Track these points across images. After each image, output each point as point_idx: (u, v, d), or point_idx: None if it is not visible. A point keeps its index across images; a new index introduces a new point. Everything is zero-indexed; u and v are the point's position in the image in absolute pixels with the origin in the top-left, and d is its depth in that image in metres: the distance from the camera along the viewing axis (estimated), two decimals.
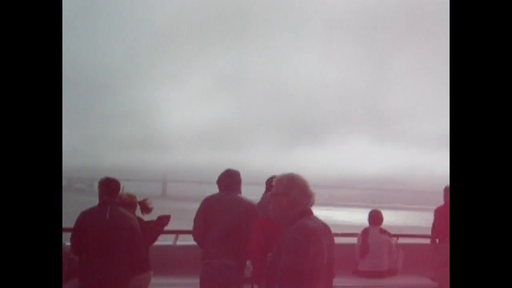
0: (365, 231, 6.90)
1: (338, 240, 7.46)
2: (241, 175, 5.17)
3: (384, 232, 6.90)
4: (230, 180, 5.07)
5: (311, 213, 3.04)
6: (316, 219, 3.04)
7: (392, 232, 7.23)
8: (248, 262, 5.22)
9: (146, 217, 5.47)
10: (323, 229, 3.02)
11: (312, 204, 3.10)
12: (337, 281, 3.22)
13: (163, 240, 6.50)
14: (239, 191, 5.10)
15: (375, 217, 6.95)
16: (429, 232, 7.35)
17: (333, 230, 8.11)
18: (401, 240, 7.43)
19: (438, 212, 7.15)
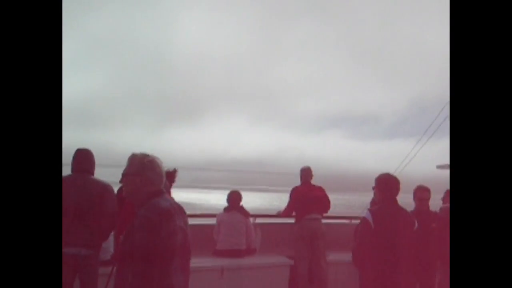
0: (224, 211, 7.09)
1: (198, 221, 7.60)
2: (107, 155, 5.00)
3: (242, 212, 7.09)
4: (81, 160, 4.93)
5: (163, 193, 3.06)
6: (169, 199, 3.08)
7: (252, 213, 7.48)
8: (107, 245, 5.11)
9: None
10: (177, 209, 3.05)
11: (165, 183, 3.13)
12: (195, 261, 3.26)
13: None
14: (92, 172, 4.97)
15: (233, 198, 7.15)
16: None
17: (194, 211, 8.19)
18: (260, 220, 7.68)
19: (294, 192, 7.57)
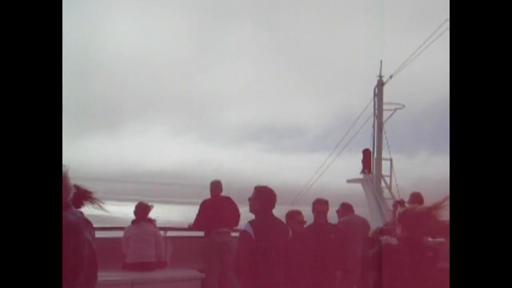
0: (132, 224, 7.00)
1: (108, 234, 7.38)
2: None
3: (151, 224, 7.03)
4: None
5: (70, 206, 3.06)
6: (76, 212, 3.09)
7: (166, 226, 7.37)
8: None
9: None
10: (84, 222, 3.06)
11: (73, 197, 3.09)
12: (104, 274, 3.16)
13: None
14: None
15: (141, 210, 7.06)
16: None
17: (108, 224, 7.91)
18: (172, 234, 7.61)
19: (203, 205, 7.61)
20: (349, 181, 10.03)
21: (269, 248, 4.52)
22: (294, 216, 5.84)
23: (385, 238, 4.19)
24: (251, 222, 4.63)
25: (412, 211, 3.91)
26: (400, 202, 7.52)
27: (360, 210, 7.98)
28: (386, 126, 9.73)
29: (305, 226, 5.88)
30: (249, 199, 4.83)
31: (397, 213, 4.19)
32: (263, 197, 4.68)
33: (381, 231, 4.16)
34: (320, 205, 5.95)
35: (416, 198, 7.32)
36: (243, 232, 4.59)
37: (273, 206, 4.70)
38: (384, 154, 9.35)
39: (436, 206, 3.77)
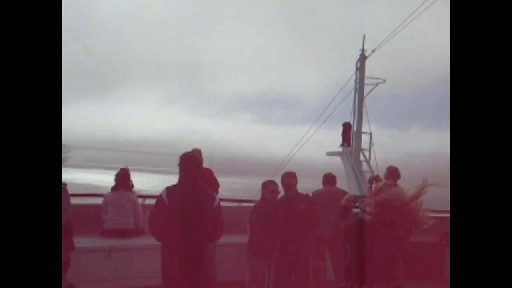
0: (112, 190, 7.01)
1: (89, 201, 7.39)
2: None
3: (132, 192, 7.06)
4: None
5: None
6: None
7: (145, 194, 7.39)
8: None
9: None
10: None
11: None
12: (82, 241, 3.19)
13: None
14: None
15: (121, 176, 7.07)
16: None
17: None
18: (151, 201, 7.63)
19: None
20: (328, 153, 10.11)
21: (184, 214, 4.59)
22: (268, 186, 6.00)
23: (359, 212, 4.25)
24: (168, 188, 4.74)
25: (388, 204, 3.84)
26: (376, 178, 7.63)
27: (339, 183, 8.08)
28: (366, 100, 9.79)
29: (278, 196, 6.02)
30: (178, 165, 4.89)
31: (372, 188, 4.22)
32: (185, 164, 4.72)
33: (354, 200, 4.19)
34: (288, 179, 6.09)
35: (392, 172, 7.42)
36: (158, 197, 4.72)
37: (196, 173, 4.73)
38: (364, 128, 9.47)
39: (415, 197, 3.80)
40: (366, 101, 9.65)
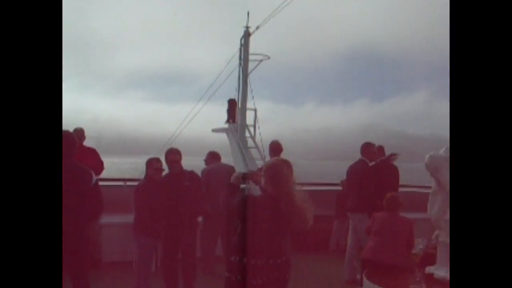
0: None
1: None
2: None
3: None
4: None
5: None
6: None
7: None
8: None
9: None
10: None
11: None
12: None
13: None
14: None
15: None
16: None
17: None
18: None
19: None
20: (214, 130, 10.21)
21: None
22: (152, 163, 6.01)
23: (245, 188, 4.36)
24: None
25: (275, 178, 3.94)
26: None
27: (225, 159, 8.22)
28: (251, 77, 9.93)
29: (163, 173, 6.05)
30: None
31: (264, 165, 4.33)
32: (64, 142, 4.51)
33: (242, 177, 4.28)
34: (172, 155, 6.08)
35: (275, 147, 7.73)
36: None
37: (70, 151, 4.57)
38: (249, 104, 9.64)
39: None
40: (252, 77, 9.83)
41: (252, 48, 10.12)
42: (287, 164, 4.04)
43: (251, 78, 9.72)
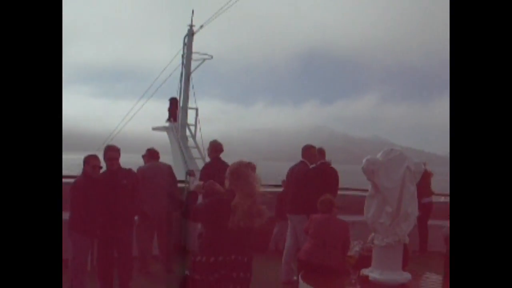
0: None
1: None
2: None
3: None
4: None
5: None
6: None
7: None
8: None
9: None
10: None
11: None
12: None
13: None
14: None
15: None
16: None
17: None
18: None
19: None
20: (154, 128, 10.05)
21: None
22: (89, 160, 5.85)
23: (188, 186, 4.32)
24: None
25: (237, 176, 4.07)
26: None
27: (165, 158, 8.08)
28: (198, 76, 9.84)
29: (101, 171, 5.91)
30: None
31: (228, 167, 4.34)
32: None
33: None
34: (110, 152, 5.96)
35: (215, 147, 7.66)
36: None
37: None
38: (191, 103, 9.53)
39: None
40: (200, 75, 9.74)
41: (204, 47, 10.02)
42: (250, 165, 4.14)
43: (198, 77, 9.63)
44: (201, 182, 4.39)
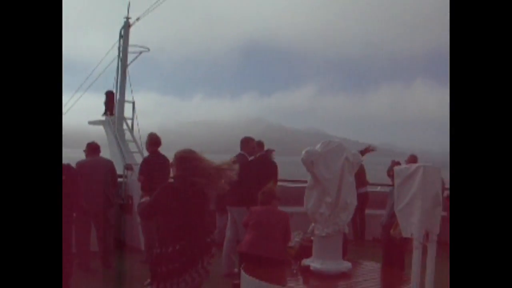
0: None
1: None
2: None
3: None
4: None
5: None
6: None
7: None
8: None
9: None
10: None
11: None
12: None
13: None
14: None
15: None
16: None
17: None
18: None
19: None
20: (90, 122, 9.83)
21: None
22: None
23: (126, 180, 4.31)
24: None
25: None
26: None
27: (102, 152, 7.93)
28: (135, 69, 9.68)
29: None
30: None
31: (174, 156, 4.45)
32: None
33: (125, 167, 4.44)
34: None
35: (153, 139, 7.58)
36: None
37: None
38: (128, 97, 9.38)
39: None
40: (137, 68, 9.59)
41: (141, 39, 9.84)
42: (193, 153, 4.33)
43: (135, 70, 9.50)
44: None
